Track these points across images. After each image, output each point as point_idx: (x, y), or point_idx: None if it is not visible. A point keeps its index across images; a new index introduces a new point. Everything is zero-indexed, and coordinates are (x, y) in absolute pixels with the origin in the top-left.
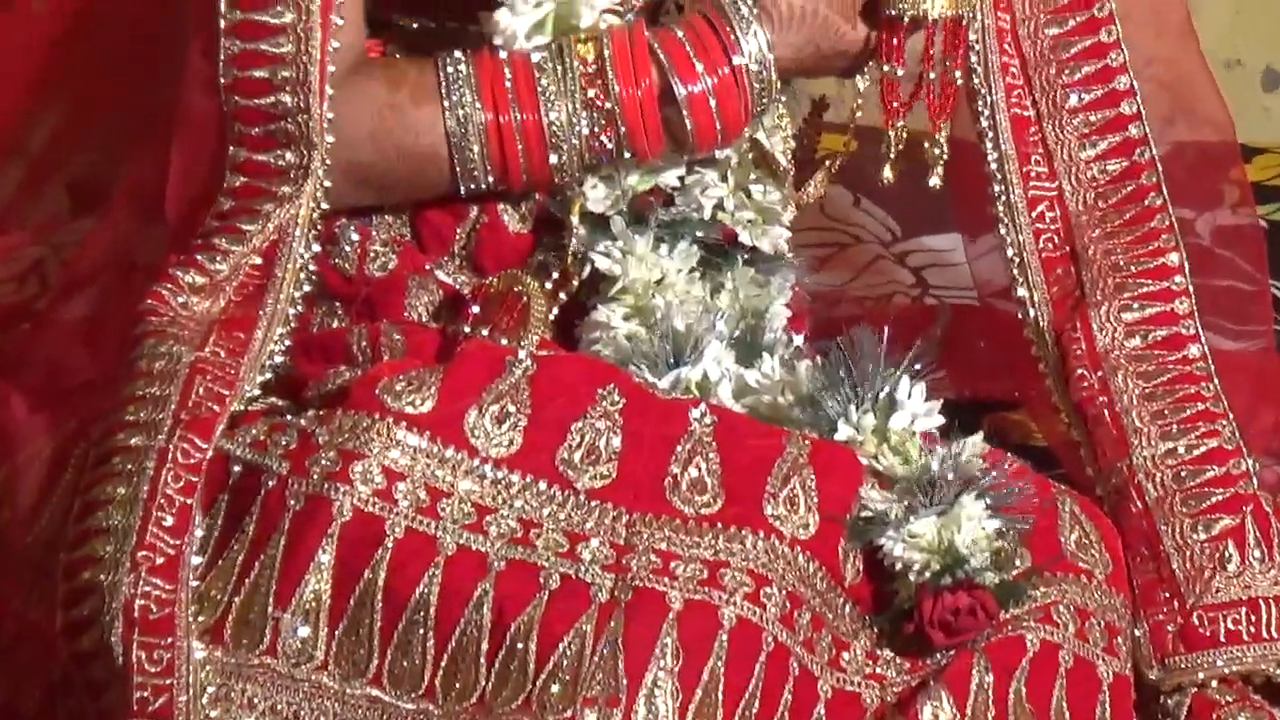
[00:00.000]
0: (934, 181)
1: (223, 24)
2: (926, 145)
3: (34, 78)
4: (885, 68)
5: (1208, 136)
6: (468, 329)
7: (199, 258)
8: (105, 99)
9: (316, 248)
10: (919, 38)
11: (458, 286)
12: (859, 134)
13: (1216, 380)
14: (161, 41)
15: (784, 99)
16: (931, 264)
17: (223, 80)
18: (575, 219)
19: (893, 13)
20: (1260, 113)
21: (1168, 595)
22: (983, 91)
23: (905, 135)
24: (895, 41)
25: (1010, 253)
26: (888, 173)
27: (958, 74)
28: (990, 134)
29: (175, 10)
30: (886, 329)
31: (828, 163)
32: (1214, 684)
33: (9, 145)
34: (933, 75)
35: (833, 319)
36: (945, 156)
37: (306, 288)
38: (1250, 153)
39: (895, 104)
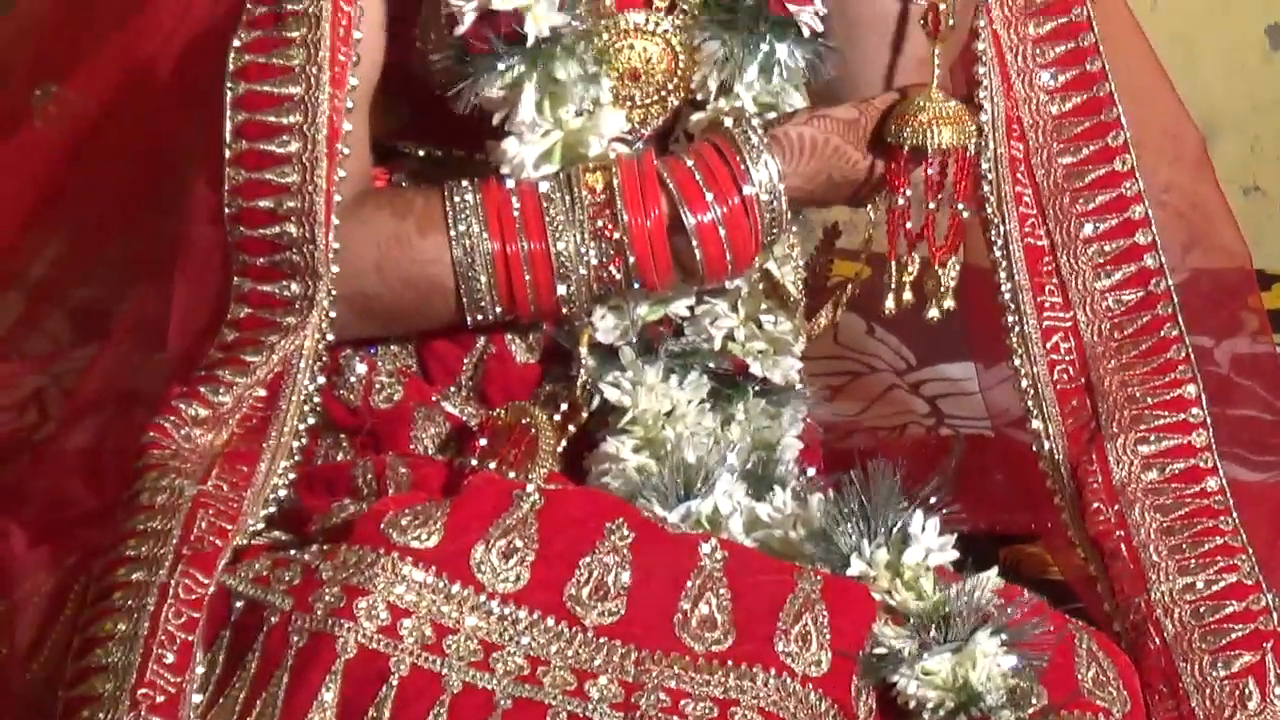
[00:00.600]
0: (932, 314)
1: (228, 153)
2: (926, 277)
3: (36, 205)
4: (892, 198)
5: (1224, 265)
6: (474, 462)
7: (202, 389)
8: (108, 227)
9: (321, 379)
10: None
11: (464, 418)
12: (872, 261)
13: (1235, 513)
14: (166, 170)
15: (794, 228)
16: (946, 393)
17: (227, 210)
18: (584, 350)
19: (896, 142)
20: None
21: None
22: (996, 221)
23: (915, 265)
24: (900, 171)
25: (1025, 384)
26: (890, 304)
27: (962, 207)
28: (1004, 264)
29: (180, 139)
30: (900, 461)
31: (839, 293)
32: None
33: (10, 273)
34: (932, 205)
35: (846, 450)
36: (946, 289)
37: (311, 420)
38: (1269, 279)
39: (900, 235)
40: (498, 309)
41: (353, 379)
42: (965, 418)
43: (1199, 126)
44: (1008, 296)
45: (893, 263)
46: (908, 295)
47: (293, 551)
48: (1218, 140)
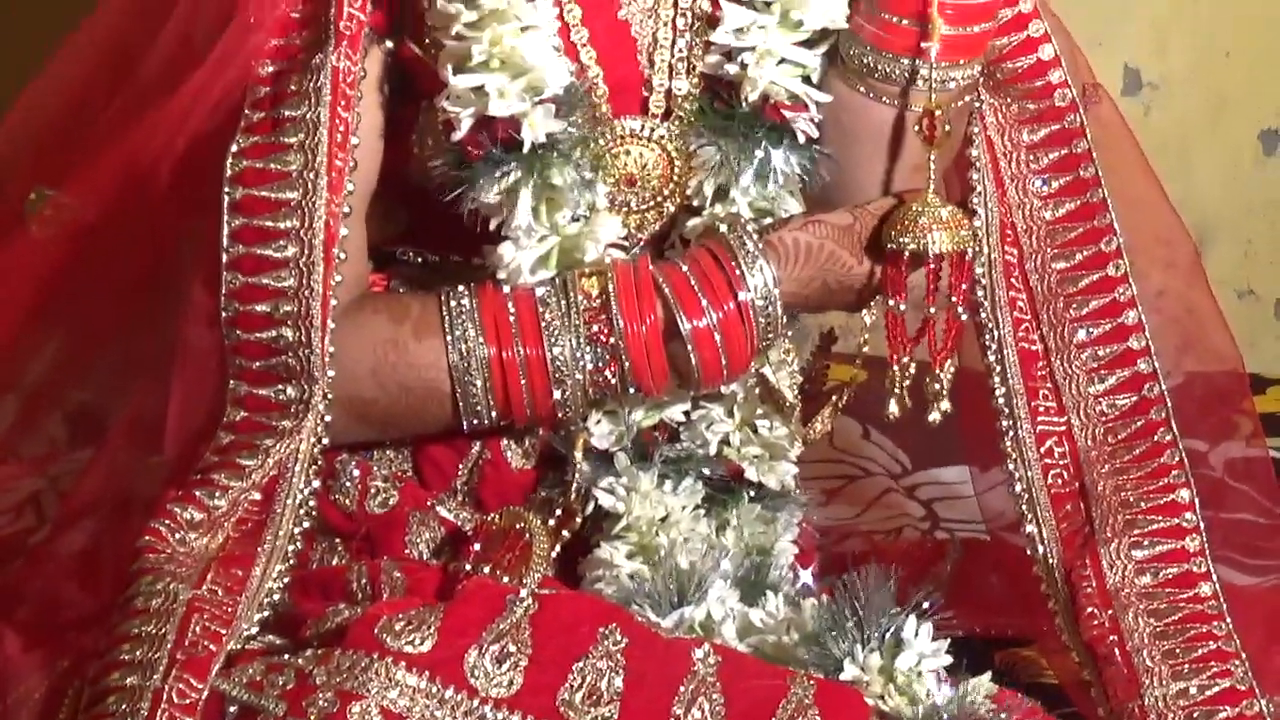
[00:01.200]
0: (933, 417)
1: (225, 258)
2: (927, 380)
3: (33, 309)
4: (890, 303)
5: (1218, 369)
6: (469, 567)
7: (197, 494)
8: (105, 331)
9: (316, 483)
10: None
11: (459, 523)
12: (868, 364)
13: (1229, 619)
14: (163, 273)
15: (790, 333)
16: (942, 497)
17: (224, 314)
18: (579, 455)
19: (894, 247)
20: (1274, 342)
21: None
22: (990, 326)
23: (913, 369)
24: (899, 276)
25: (1019, 489)
26: (893, 408)
27: (961, 310)
28: (998, 368)
29: (177, 243)
30: (895, 567)
31: (835, 398)
32: None
33: (7, 376)
34: (932, 310)
35: (842, 553)
36: (945, 393)
37: (306, 524)
38: (1264, 383)
39: (899, 340)
40: (493, 414)
41: (348, 483)
42: (960, 521)
43: (1193, 230)
44: (1002, 401)
45: (894, 368)
46: (906, 400)
47: (287, 656)
48: (1212, 244)
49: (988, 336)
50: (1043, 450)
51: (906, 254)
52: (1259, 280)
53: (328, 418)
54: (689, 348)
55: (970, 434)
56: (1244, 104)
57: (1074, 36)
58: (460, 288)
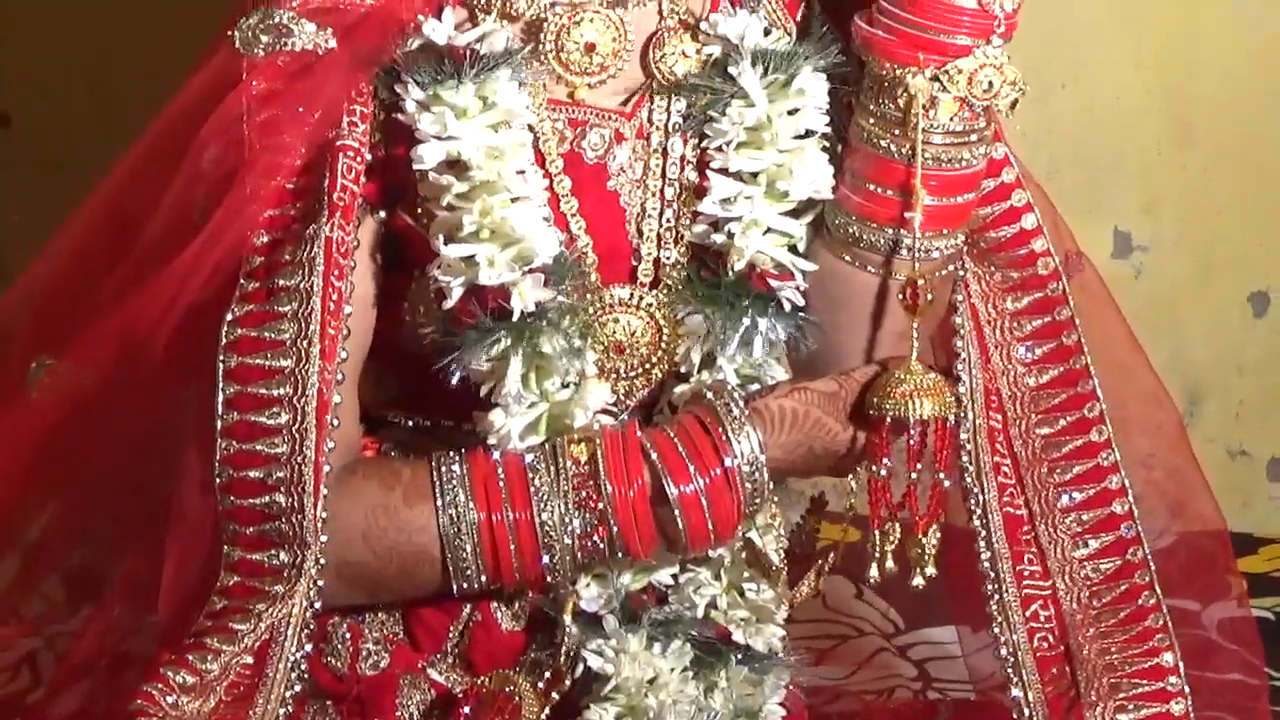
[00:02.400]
0: (916, 582)
1: (219, 424)
2: (909, 545)
3: (33, 472)
4: (874, 469)
5: (1203, 531)
6: None
7: (190, 657)
8: (103, 494)
9: (309, 646)
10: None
11: (450, 686)
12: (859, 524)
13: None
14: (159, 439)
15: (776, 498)
16: (934, 656)
17: (217, 480)
18: (568, 617)
19: (877, 413)
20: (1267, 503)
21: None
22: (975, 490)
23: (896, 534)
24: (881, 443)
25: (1005, 652)
26: (874, 572)
27: (943, 476)
28: (983, 532)
29: (173, 409)
30: None
31: (821, 561)
32: None
33: (7, 538)
34: (914, 475)
35: (832, 713)
36: (929, 558)
37: (298, 687)
38: (1257, 543)
39: (881, 505)
40: (483, 578)
41: (340, 646)
42: (952, 681)
43: (1185, 390)
44: (987, 565)
45: (876, 532)
46: (890, 563)
47: None
48: (1203, 404)
49: (973, 501)
50: (1028, 614)
51: (889, 420)
52: (1251, 440)
53: (320, 582)
54: (676, 513)
55: (957, 594)
56: (1233, 266)
57: (1064, 200)
58: (451, 453)
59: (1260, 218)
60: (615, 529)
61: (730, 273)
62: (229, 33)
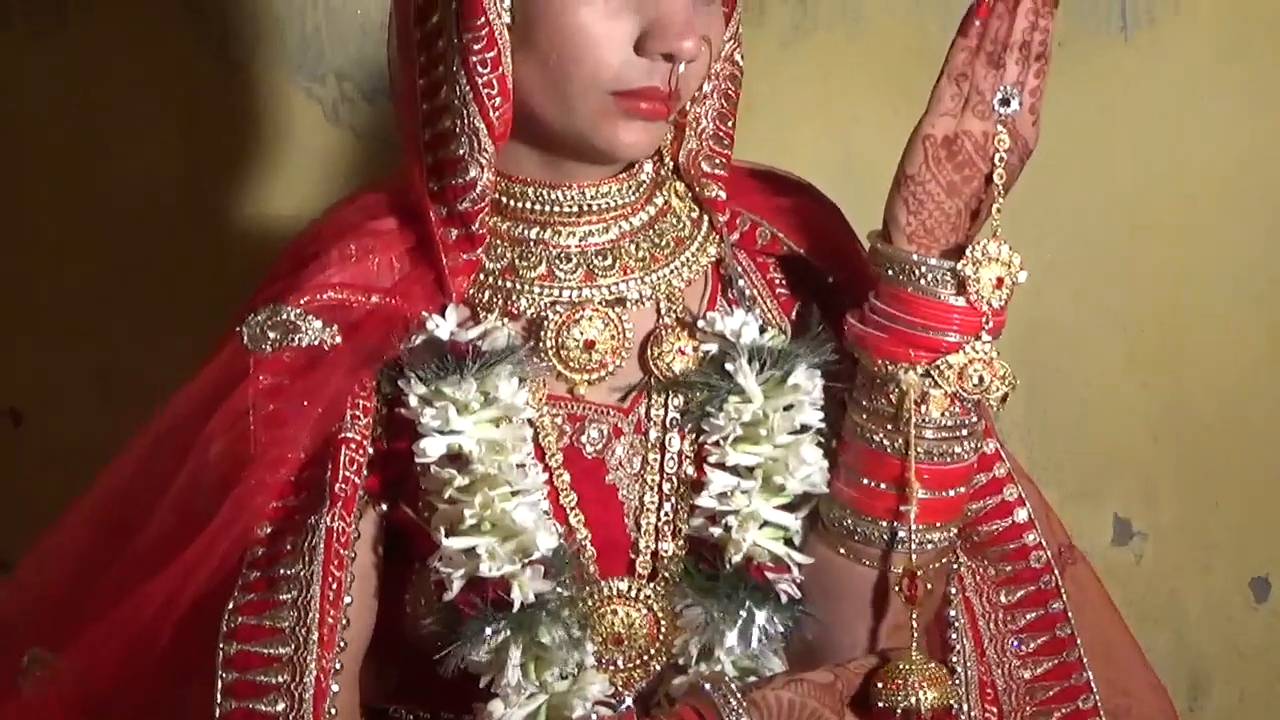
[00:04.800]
0: None
1: (217, 712)
2: None
3: None
4: None
5: None
6: None
7: None
8: None
9: None
10: None
11: None
12: None
13: None
14: None
15: None
16: None
17: None
18: None
19: (886, 705)
20: None
21: None
22: None
23: None
24: None
25: None
26: None
27: None
28: None
29: (173, 698)
30: None
31: None
32: None
33: None
34: None
35: None
36: None
37: None
38: None
39: None
40: None
41: None
42: None
43: (1187, 676)
44: None
45: None
46: None
47: None
48: (1206, 690)
49: None
50: None
51: (899, 711)
52: None
53: None
54: None
55: None
56: (1233, 553)
57: (1063, 488)
58: None
59: (1258, 505)
60: None
61: (728, 565)
62: (236, 328)
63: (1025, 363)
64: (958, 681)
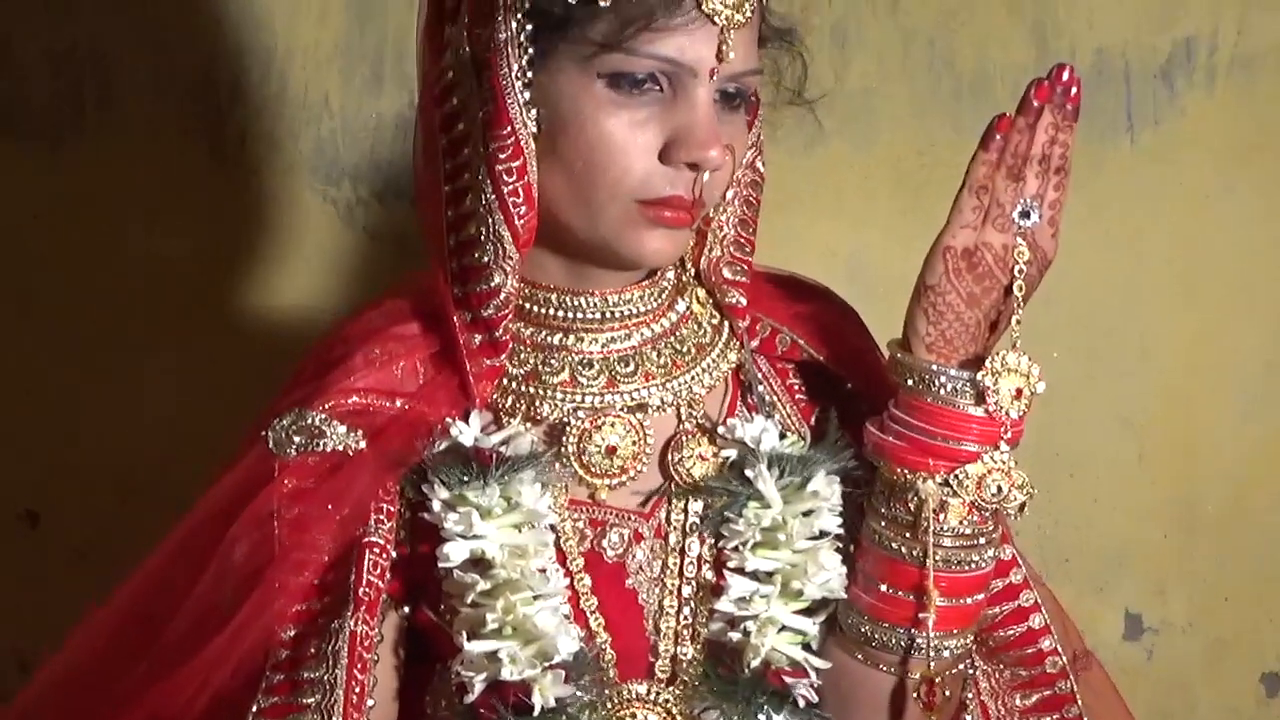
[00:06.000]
0: None
1: None
2: None
3: None
4: None
5: None
6: None
7: None
8: None
9: None
10: None
11: None
12: None
13: None
14: None
15: None
16: None
17: None
18: None
19: None
20: None
21: None
22: None
23: None
24: None
25: None
26: None
27: None
28: None
29: None
30: None
31: None
32: None
33: None
34: None
35: None
36: None
37: None
38: None
39: None
40: None
41: None
42: None
43: None
44: None
45: None
46: None
47: None
48: None
49: None
50: None
51: None
52: None
53: None
54: None
55: None
56: (1244, 647)
57: (1075, 584)
58: None
59: (1269, 600)
60: None
61: (746, 670)
62: (261, 432)
63: (1036, 458)
64: None
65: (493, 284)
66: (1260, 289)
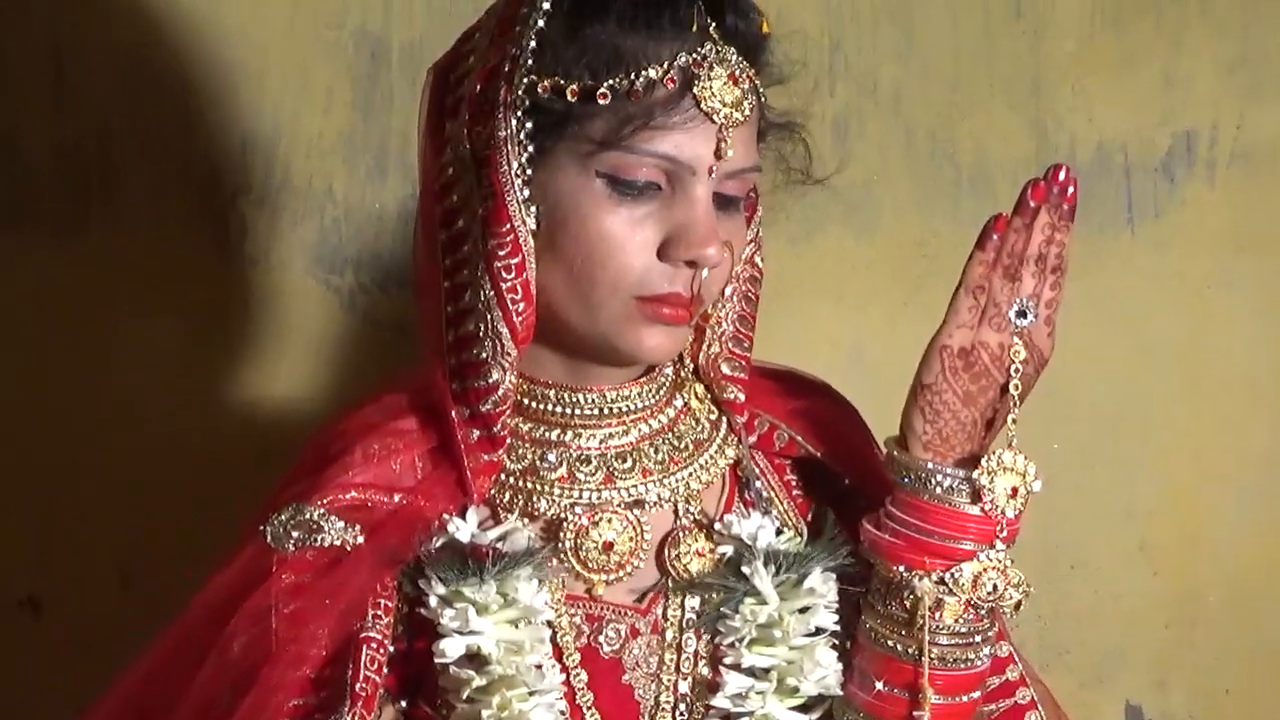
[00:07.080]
0: None
1: None
2: None
3: None
4: None
5: None
6: None
7: None
8: None
9: None
10: None
11: None
12: None
13: None
14: None
15: None
16: None
17: None
18: None
19: None
20: None
21: None
22: None
23: None
24: None
25: None
26: None
27: None
28: None
29: None
30: None
31: None
32: None
33: None
34: None
35: None
36: None
37: None
38: None
39: None
40: None
41: None
42: None
43: None
44: None
45: None
46: None
47: None
48: None
49: None
50: None
51: None
52: None
53: None
54: None
55: None
56: None
57: (1076, 675)
58: None
59: (1271, 692)
60: None
61: None
62: (259, 527)
63: (1036, 549)
64: None
65: (491, 380)
66: (1262, 379)
